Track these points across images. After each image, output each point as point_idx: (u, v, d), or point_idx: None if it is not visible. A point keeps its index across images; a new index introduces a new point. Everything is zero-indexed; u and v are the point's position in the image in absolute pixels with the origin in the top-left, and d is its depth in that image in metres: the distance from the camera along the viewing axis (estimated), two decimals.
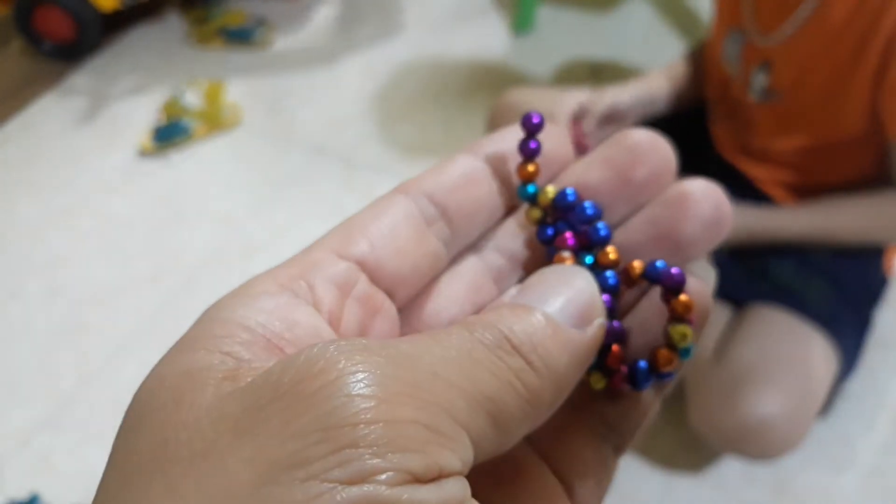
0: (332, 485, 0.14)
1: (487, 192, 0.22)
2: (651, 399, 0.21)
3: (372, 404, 0.15)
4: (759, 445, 0.91)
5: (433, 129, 1.56)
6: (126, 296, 1.34)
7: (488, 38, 1.74)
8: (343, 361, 0.16)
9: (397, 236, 0.20)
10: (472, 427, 0.16)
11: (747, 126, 1.06)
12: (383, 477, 0.15)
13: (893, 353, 1.12)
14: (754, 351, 0.93)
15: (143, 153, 1.59)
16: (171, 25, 1.88)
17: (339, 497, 0.14)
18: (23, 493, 1.09)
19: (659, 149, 0.22)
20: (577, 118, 1.05)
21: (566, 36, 1.72)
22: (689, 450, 1.04)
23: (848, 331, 0.99)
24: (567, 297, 0.18)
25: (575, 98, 1.05)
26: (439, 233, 0.21)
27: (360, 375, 0.15)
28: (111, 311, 1.32)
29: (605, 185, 0.22)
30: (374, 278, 0.20)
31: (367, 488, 0.14)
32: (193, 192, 1.50)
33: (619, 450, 0.21)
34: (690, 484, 1.02)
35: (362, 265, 0.20)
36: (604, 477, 0.21)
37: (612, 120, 1.07)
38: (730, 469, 1.03)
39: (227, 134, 1.61)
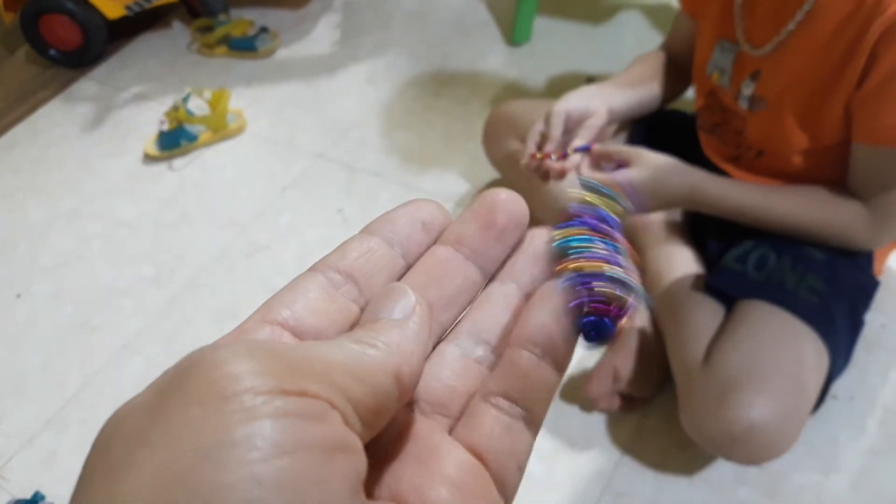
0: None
1: (384, 256, 0.27)
2: (552, 376, 0.25)
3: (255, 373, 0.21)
4: (749, 450, 0.93)
5: (432, 137, 1.58)
6: (131, 297, 1.37)
7: (486, 49, 1.77)
8: (226, 353, 0.21)
9: (311, 300, 0.25)
10: (346, 388, 0.21)
11: (735, 133, 1.09)
12: (255, 395, 0.20)
13: (883, 354, 1.14)
14: (744, 355, 0.95)
15: (148, 159, 1.61)
16: (177, 34, 1.91)
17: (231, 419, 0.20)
18: (27, 492, 1.11)
19: (515, 202, 0.28)
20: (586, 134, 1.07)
21: (562, 46, 1.75)
22: (682, 450, 1.06)
23: (840, 330, 1.01)
24: (397, 303, 0.24)
25: (577, 107, 1.07)
26: (348, 293, 0.26)
27: (243, 360, 0.21)
28: (116, 312, 1.35)
29: (477, 233, 0.27)
30: (298, 335, 0.25)
31: (238, 402, 0.20)
32: (197, 197, 1.53)
33: (531, 424, 0.25)
34: (683, 484, 1.04)
35: (284, 326, 0.25)
36: (519, 450, 0.25)
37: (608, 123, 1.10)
38: (722, 469, 1.05)
39: (232, 140, 1.64)
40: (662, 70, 1.19)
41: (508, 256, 0.28)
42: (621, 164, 1.02)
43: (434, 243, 0.28)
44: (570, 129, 1.06)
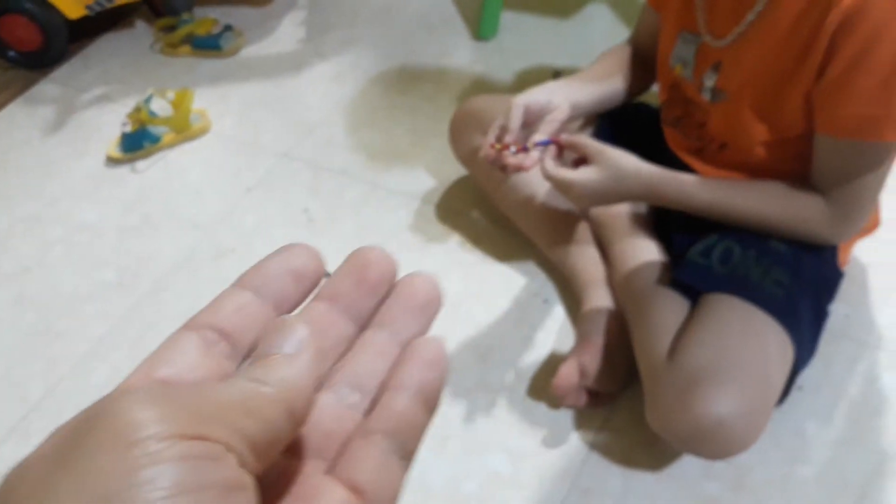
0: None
1: (257, 311, 0.29)
2: (424, 416, 0.28)
3: (155, 420, 0.22)
4: (715, 445, 0.93)
5: (399, 135, 1.57)
6: (94, 303, 1.35)
7: (453, 45, 1.76)
8: (129, 401, 0.23)
9: (188, 359, 0.27)
10: (241, 427, 0.23)
11: (698, 126, 1.09)
12: (158, 441, 0.22)
13: (847, 345, 1.15)
14: (709, 349, 0.95)
15: (111, 161, 1.59)
16: (139, 33, 1.88)
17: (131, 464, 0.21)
18: None
19: (385, 259, 0.30)
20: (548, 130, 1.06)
21: (529, 41, 1.74)
22: (649, 445, 1.06)
23: (804, 322, 1.01)
24: (286, 338, 0.26)
25: (538, 99, 1.06)
26: (222, 351, 0.28)
27: (146, 408, 0.22)
28: (79, 318, 1.33)
29: (352, 288, 0.30)
30: None
31: (142, 448, 0.21)
32: (161, 199, 1.51)
33: (405, 458, 0.27)
34: (650, 479, 1.04)
35: (167, 382, 0.27)
36: (396, 483, 0.26)
37: (571, 118, 1.10)
38: (689, 464, 1.05)
39: (195, 141, 1.62)
40: (628, 64, 1.19)
41: (380, 303, 0.31)
42: (580, 160, 1.02)
43: (308, 292, 0.30)
44: (531, 122, 1.06)
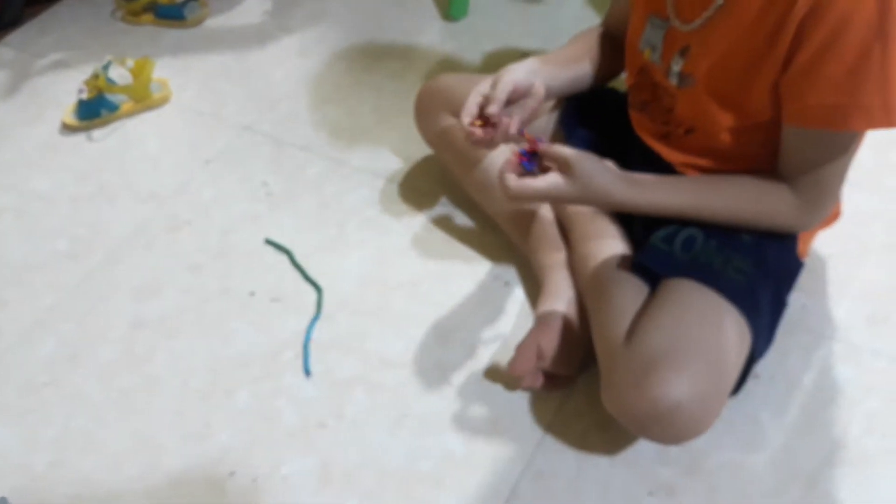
0: None
1: None
2: None
3: None
4: (670, 429, 0.92)
5: (362, 111, 1.55)
6: (44, 273, 1.31)
7: (422, 23, 1.74)
8: None
9: None
10: None
11: (665, 111, 1.08)
12: None
13: (804, 336, 1.15)
14: (667, 333, 0.94)
15: (66, 129, 1.55)
16: (100, 1, 1.83)
17: None
18: None
19: None
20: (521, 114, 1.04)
21: (499, 23, 1.72)
22: (604, 429, 1.05)
23: (764, 310, 1.01)
24: None
25: (521, 80, 1.04)
26: None
27: None
28: (27, 288, 1.29)
29: None
30: None
31: None
32: (117, 169, 1.47)
33: None
34: (604, 463, 1.04)
35: None
36: None
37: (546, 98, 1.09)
38: (643, 449, 1.04)
39: (155, 111, 1.58)
40: (601, 47, 1.18)
41: None
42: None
43: None
44: (513, 100, 1.04)
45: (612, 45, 1.17)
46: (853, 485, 1.00)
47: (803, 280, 1.13)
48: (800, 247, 1.09)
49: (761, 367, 1.08)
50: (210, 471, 1.06)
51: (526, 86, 1.04)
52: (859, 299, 1.19)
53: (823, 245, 1.22)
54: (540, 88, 1.04)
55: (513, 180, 0.97)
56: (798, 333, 1.15)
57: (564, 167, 0.96)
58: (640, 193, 1.00)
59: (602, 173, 0.98)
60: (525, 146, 0.99)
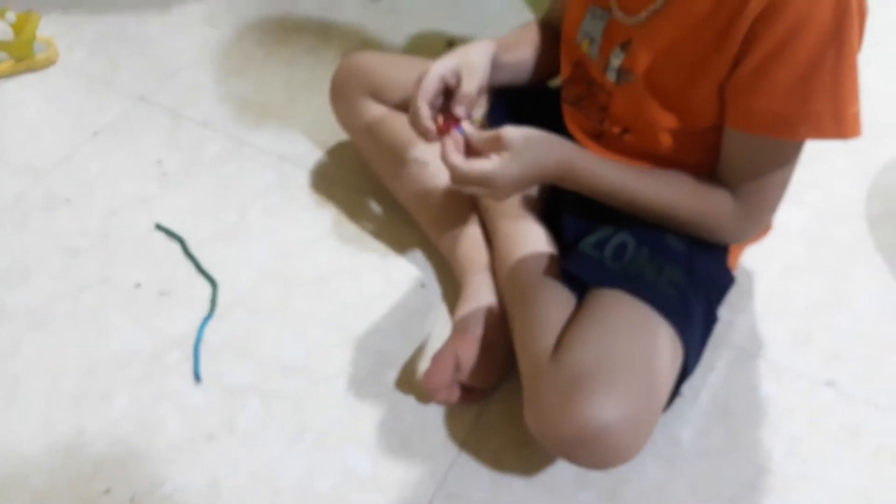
0: None
1: None
2: None
3: None
4: (597, 453, 0.85)
5: (273, 87, 1.44)
6: None
7: (343, 0, 1.63)
8: None
9: None
10: None
11: (600, 108, 1.02)
12: None
13: (728, 353, 1.11)
14: (596, 349, 0.88)
15: None
16: None
17: None
18: None
19: None
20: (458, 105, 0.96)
21: (423, 5, 1.64)
22: (520, 448, 0.99)
23: (696, 325, 0.96)
24: None
25: (438, 74, 0.95)
26: None
27: None
28: None
29: None
30: None
31: None
32: None
33: None
34: (521, 485, 0.97)
35: None
36: None
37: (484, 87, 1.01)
38: (562, 471, 0.98)
39: (38, 73, 1.45)
40: (542, 39, 1.11)
41: None
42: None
43: None
44: (451, 89, 0.96)
45: (555, 37, 1.10)
46: None
47: (729, 295, 1.09)
48: (730, 260, 1.05)
49: (685, 385, 1.04)
50: (81, 487, 0.95)
51: (455, 68, 0.96)
52: (783, 317, 1.17)
53: (747, 259, 1.19)
54: (477, 59, 0.97)
55: (459, 160, 0.89)
56: (722, 349, 1.11)
57: (498, 145, 0.90)
58: (581, 161, 0.94)
59: (542, 136, 0.92)
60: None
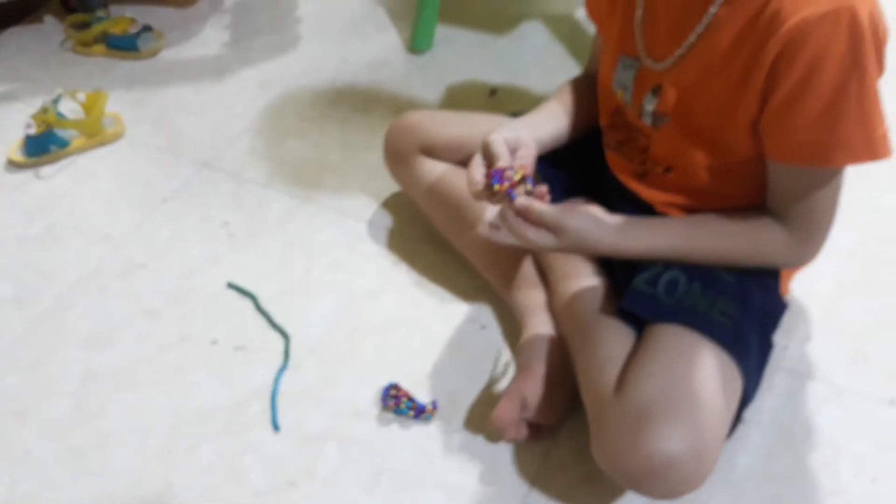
0: None
1: None
2: None
3: None
4: (665, 484, 0.88)
5: (328, 146, 1.50)
6: None
7: (386, 56, 1.70)
8: None
9: None
10: None
11: (641, 151, 1.06)
12: None
13: (787, 378, 1.12)
14: (659, 383, 0.91)
15: (12, 166, 1.47)
16: (49, 30, 1.76)
17: None
18: None
19: None
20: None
21: (464, 56, 1.69)
22: (590, 482, 1.01)
23: (752, 353, 0.98)
24: None
25: (500, 144, 0.98)
26: None
27: None
28: None
29: None
30: None
31: None
32: (67, 209, 1.39)
33: None
34: None
35: None
36: None
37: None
38: (632, 502, 1.00)
39: (108, 147, 1.51)
40: (585, 96, 1.14)
41: None
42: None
43: None
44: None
45: (593, 91, 1.14)
46: None
47: (783, 320, 1.11)
48: (781, 286, 1.07)
49: (746, 411, 1.05)
50: None
51: (512, 140, 0.99)
52: (839, 339, 1.17)
53: (799, 283, 1.20)
54: (529, 139, 1.00)
55: (510, 215, 0.94)
56: (780, 374, 1.13)
57: (553, 230, 0.93)
58: (630, 240, 0.98)
59: (592, 227, 0.96)
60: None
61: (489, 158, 0.97)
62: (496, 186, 0.93)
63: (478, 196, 0.96)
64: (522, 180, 0.93)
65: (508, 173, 0.93)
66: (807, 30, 0.84)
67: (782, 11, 0.85)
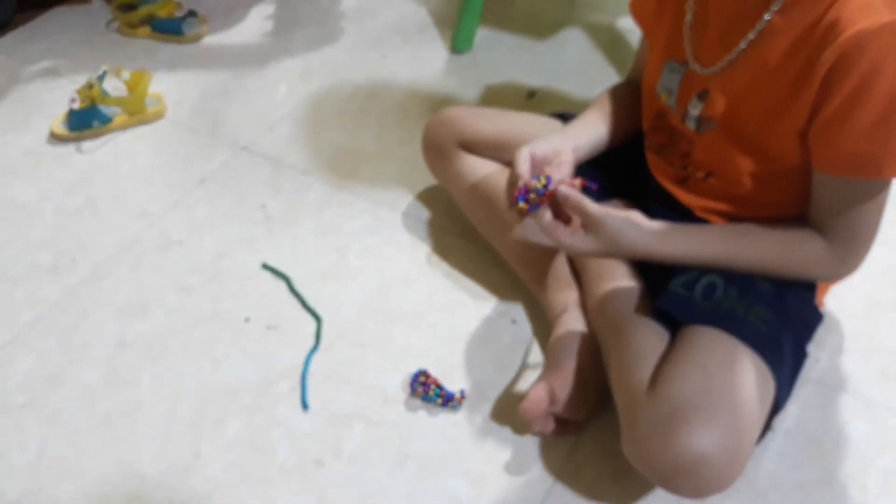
0: None
1: None
2: None
3: None
4: (694, 482, 0.88)
5: (364, 138, 1.51)
6: (24, 286, 1.24)
7: (427, 54, 1.71)
8: None
9: None
10: None
11: (682, 155, 1.06)
12: None
13: (819, 389, 1.12)
14: (693, 383, 0.90)
15: (55, 138, 1.49)
16: (95, 10, 1.79)
17: None
18: None
19: None
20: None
21: (504, 58, 1.70)
22: (616, 479, 1.01)
23: (786, 360, 0.98)
24: None
25: (542, 148, 1.00)
26: None
27: None
28: (6, 301, 1.22)
29: None
30: None
31: None
32: (107, 183, 1.41)
33: None
34: None
35: None
36: None
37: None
38: (657, 501, 1.00)
39: (149, 125, 1.53)
40: (625, 104, 1.14)
41: None
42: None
43: None
44: (538, 170, 1.00)
45: (633, 98, 1.14)
46: None
47: (817, 333, 1.11)
48: (817, 297, 1.07)
49: (776, 419, 1.05)
50: None
51: (544, 152, 1.00)
52: (871, 354, 1.17)
53: (833, 297, 1.19)
54: (565, 148, 1.01)
55: (545, 219, 0.94)
56: (811, 385, 1.12)
57: (588, 226, 0.94)
58: (665, 245, 0.98)
59: (629, 229, 0.96)
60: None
61: (514, 173, 0.98)
62: (520, 205, 0.94)
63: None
64: (545, 188, 0.94)
65: (532, 183, 0.94)
66: (864, 41, 0.84)
67: (840, 22, 0.85)
